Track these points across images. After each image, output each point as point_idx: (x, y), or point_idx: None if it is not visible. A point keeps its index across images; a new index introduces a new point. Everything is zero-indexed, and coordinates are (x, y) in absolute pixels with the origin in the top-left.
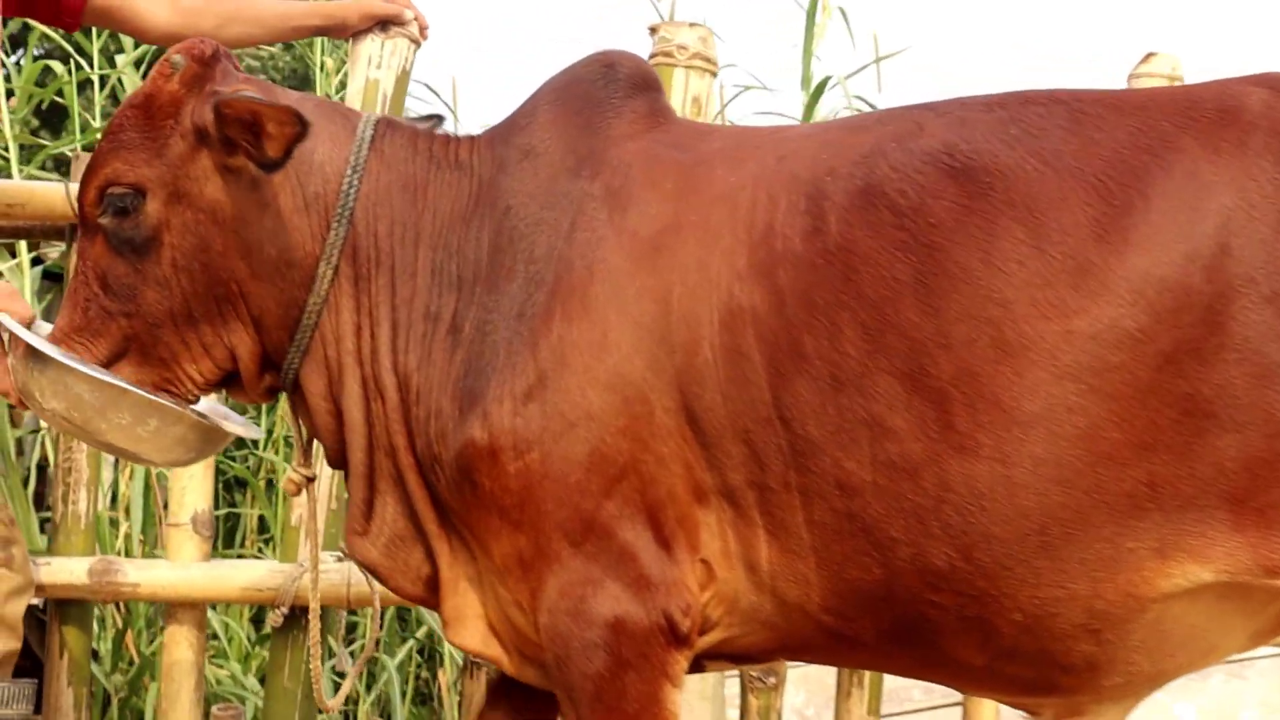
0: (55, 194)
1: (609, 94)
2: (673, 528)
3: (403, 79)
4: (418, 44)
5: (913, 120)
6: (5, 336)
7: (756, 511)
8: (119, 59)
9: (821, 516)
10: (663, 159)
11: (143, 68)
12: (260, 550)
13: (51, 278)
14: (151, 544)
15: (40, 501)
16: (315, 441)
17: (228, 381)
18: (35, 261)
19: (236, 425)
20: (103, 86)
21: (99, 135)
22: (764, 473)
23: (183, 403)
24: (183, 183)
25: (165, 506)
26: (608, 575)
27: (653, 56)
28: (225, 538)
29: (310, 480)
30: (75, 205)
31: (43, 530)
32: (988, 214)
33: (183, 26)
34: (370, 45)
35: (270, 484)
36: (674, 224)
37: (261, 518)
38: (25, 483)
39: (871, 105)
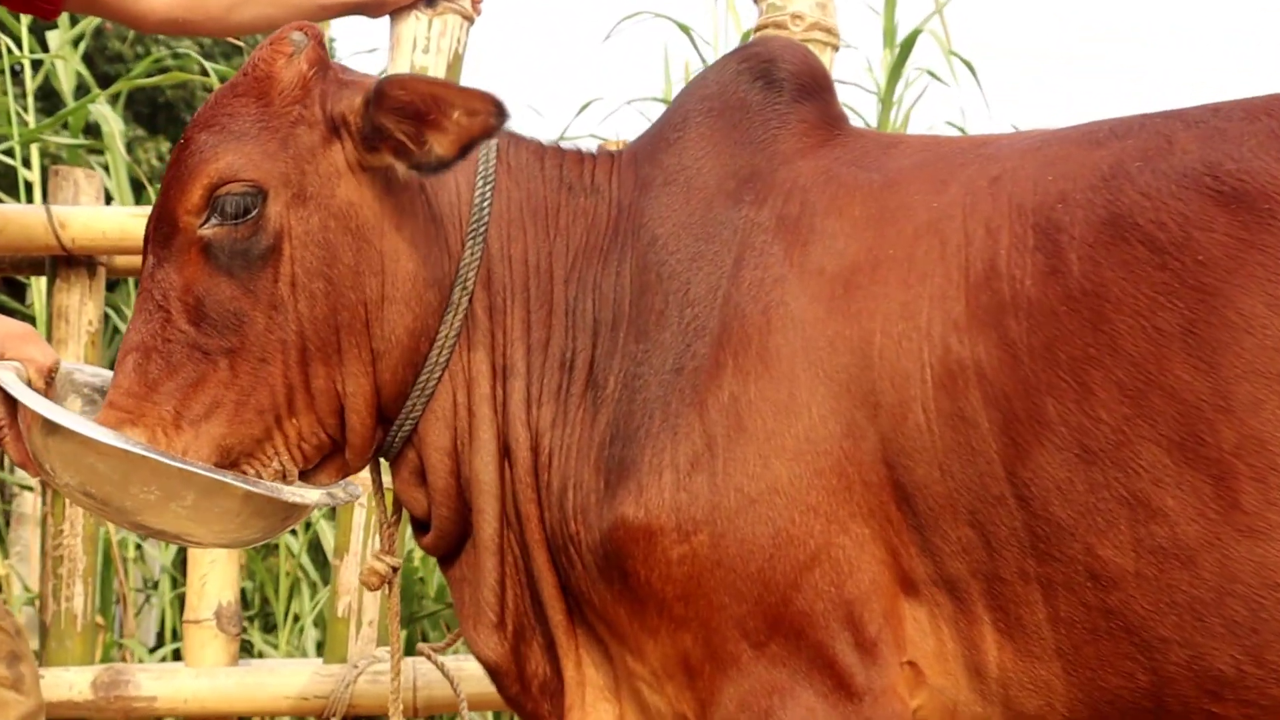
0: (36, 218)
1: (770, 100)
2: (878, 625)
3: (455, 64)
4: (471, 20)
5: (1158, 133)
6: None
7: (983, 606)
8: (53, 38)
9: (1070, 613)
10: (845, 180)
11: (82, 46)
12: (296, 627)
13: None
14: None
15: None
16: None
17: (320, 464)
18: None
19: (310, 493)
20: (36, 71)
21: (36, 132)
22: (994, 561)
23: (227, 470)
24: (310, 181)
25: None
26: (799, 683)
27: (758, 29)
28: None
29: (395, 570)
30: (162, 216)
31: None
32: (1271, 248)
33: (187, 11)
34: (414, 26)
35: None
36: (869, 260)
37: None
38: None
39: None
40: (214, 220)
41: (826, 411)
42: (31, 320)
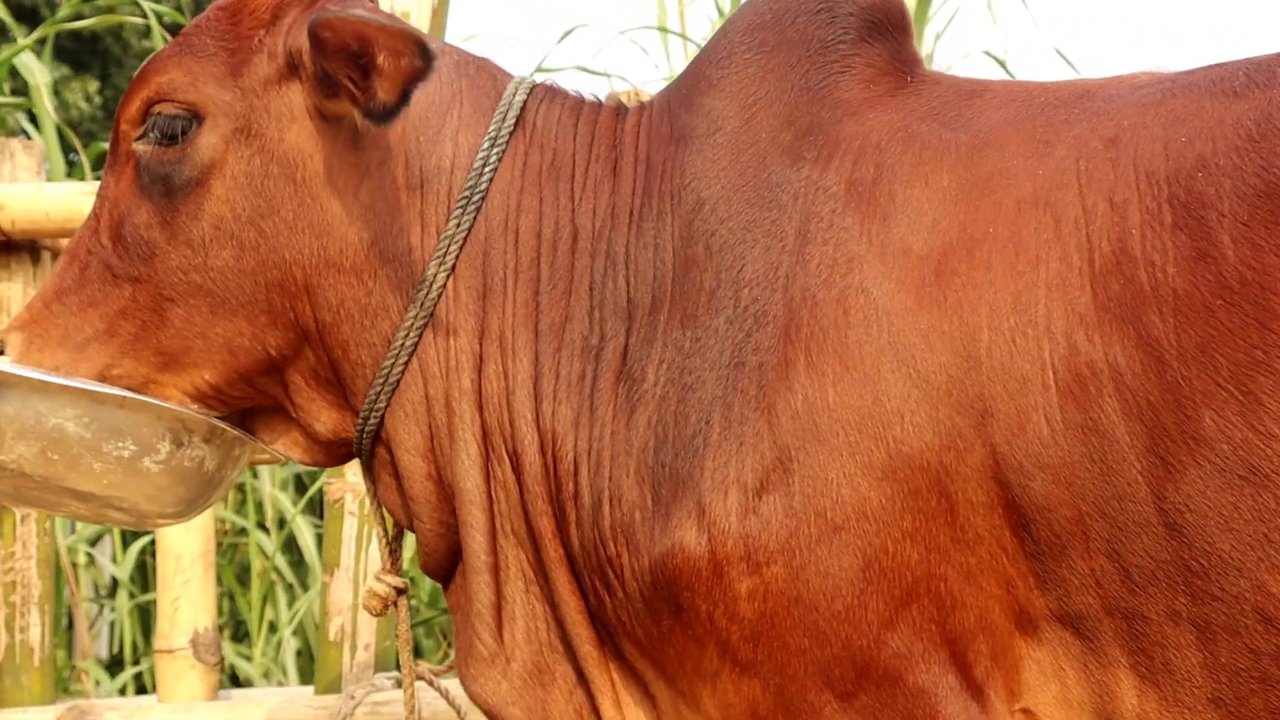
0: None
1: (834, 36)
2: (986, 667)
3: (440, 9)
4: None
5: None
6: None
7: (1119, 648)
8: None
9: (1233, 659)
10: (927, 140)
11: None
12: (274, 639)
13: None
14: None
15: None
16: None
17: (248, 415)
18: None
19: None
20: None
21: None
22: (1135, 597)
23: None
24: (258, 117)
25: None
26: None
27: None
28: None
29: (402, 593)
30: (114, 121)
31: None
32: None
33: None
34: None
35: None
36: (964, 239)
37: None
38: None
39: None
40: (147, 137)
41: (922, 420)
42: None
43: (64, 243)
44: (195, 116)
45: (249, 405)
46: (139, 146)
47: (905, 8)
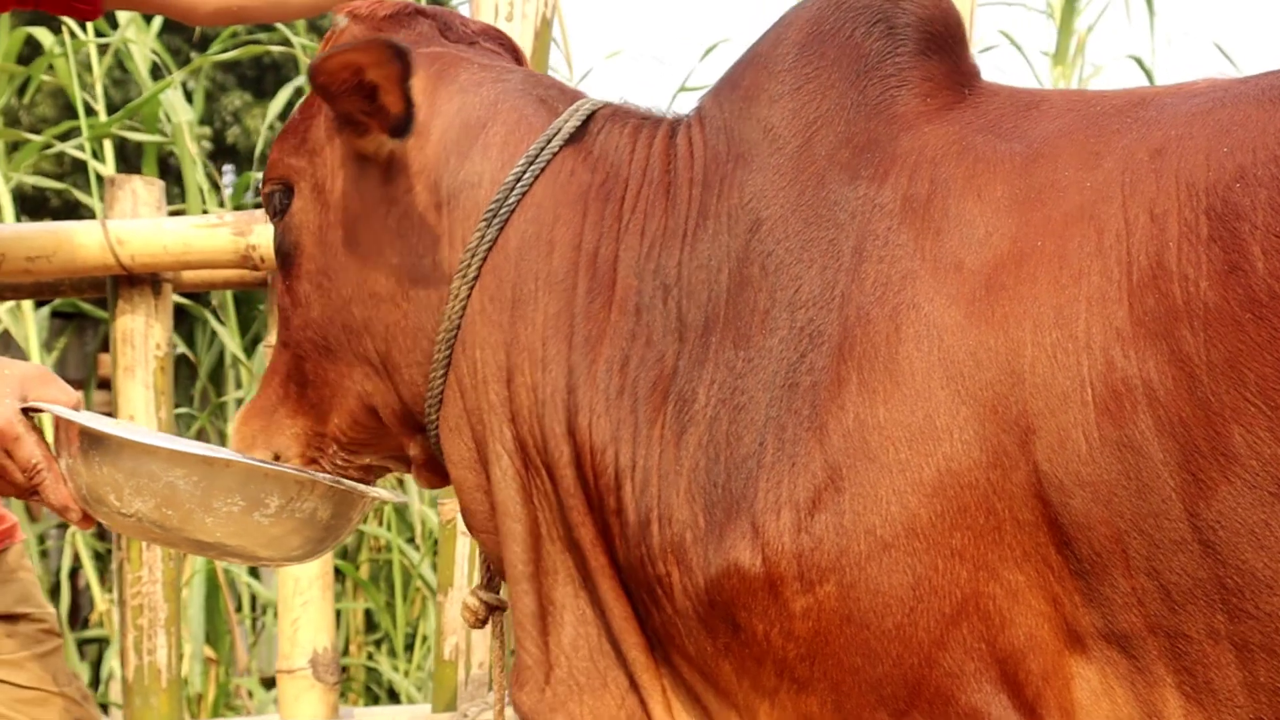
0: (90, 237)
1: (890, 49)
2: (1037, 686)
3: (544, 32)
4: None
5: None
6: (53, 434)
7: (1164, 666)
8: (122, 16)
9: (1272, 679)
10: (982, 152)
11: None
12: (371, 655)
13: (64, 317)
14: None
15: (76, 617)
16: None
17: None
18: (41, 301)
19: (380, 490)
20: (103, 55)
21: (106, 126)
22: (1176, 615)
23: (310, 469)
24: (320, 174)
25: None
26: None
27: None
28: None
29: (497, 609)
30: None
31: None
32: None
33: None
34: None
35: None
36: (1014, 254)
37: (368, 612)
38: (54, 594)
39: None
40: (272, 218)
41: (970, 437)
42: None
43: (187, 275)
44: (288, 189)
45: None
46: (271, 227)
47: (961, 19)
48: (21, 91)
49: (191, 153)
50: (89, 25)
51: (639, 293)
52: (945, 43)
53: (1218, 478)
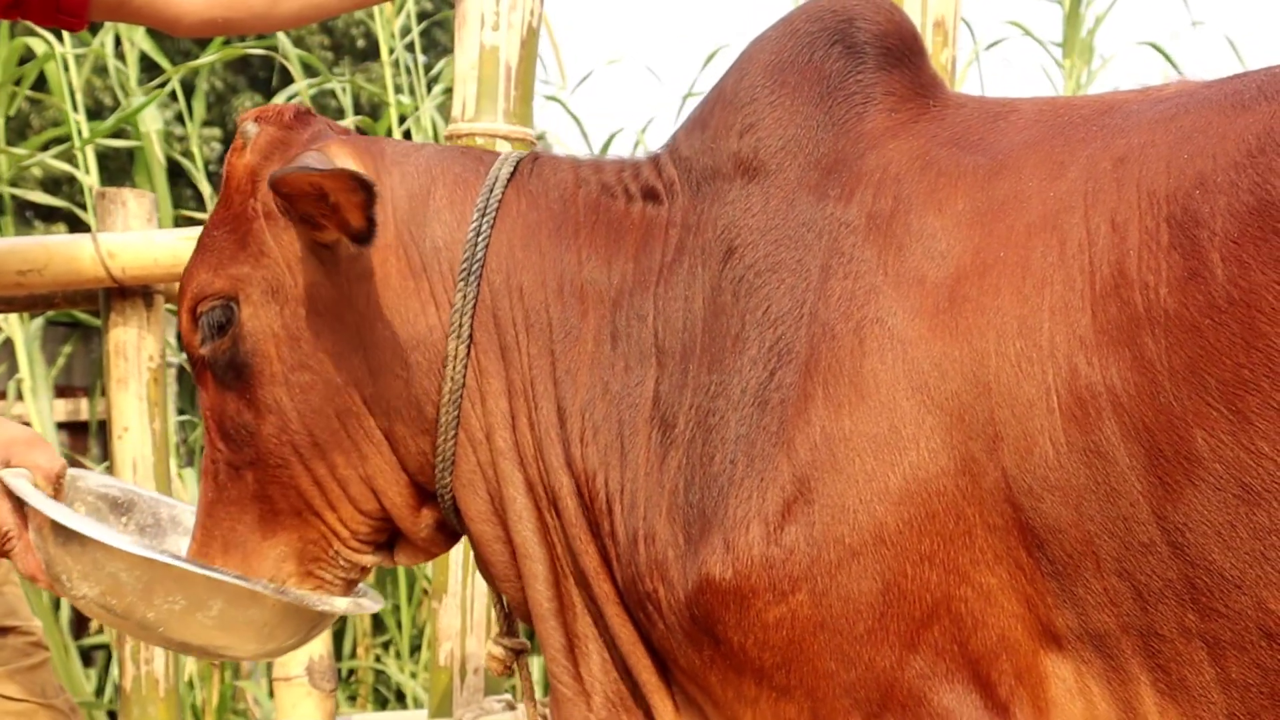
0: (81, 250)
1: (851, 68)
2: (1010, 685)
3: (530, 40)
4: None
5: None
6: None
7: (1138, 664)
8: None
9: (1243, 675)
10: (944, 166)
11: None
12: (379, 658)
13: (69, 325)
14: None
15: (82, 626)
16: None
17: (392, 540)
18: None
19: (340, 601)
20: (80, 64)
21: (91, 138)
22: (1148, 614)
23: (256, 579)
24: (274, 273)
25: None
26: None
27: None
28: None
29: (520, 654)
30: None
31: (90, 677)
32: None
33: (227, 9)
34: (481, 1)
35: (383, 571)
36: (976, 265)
37: (376, 616)
38: (56, 608)
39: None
40: (207, 341)
41: (937, 446)
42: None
43: (175, 287)
44: (230, 301)
45: (388, 533)
46: (204, 350)
47: (917, 30)
48: (11, 100)
49: (160, 161)
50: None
51: (612, 322)
52: (904, 56)
53: (1183, 481)
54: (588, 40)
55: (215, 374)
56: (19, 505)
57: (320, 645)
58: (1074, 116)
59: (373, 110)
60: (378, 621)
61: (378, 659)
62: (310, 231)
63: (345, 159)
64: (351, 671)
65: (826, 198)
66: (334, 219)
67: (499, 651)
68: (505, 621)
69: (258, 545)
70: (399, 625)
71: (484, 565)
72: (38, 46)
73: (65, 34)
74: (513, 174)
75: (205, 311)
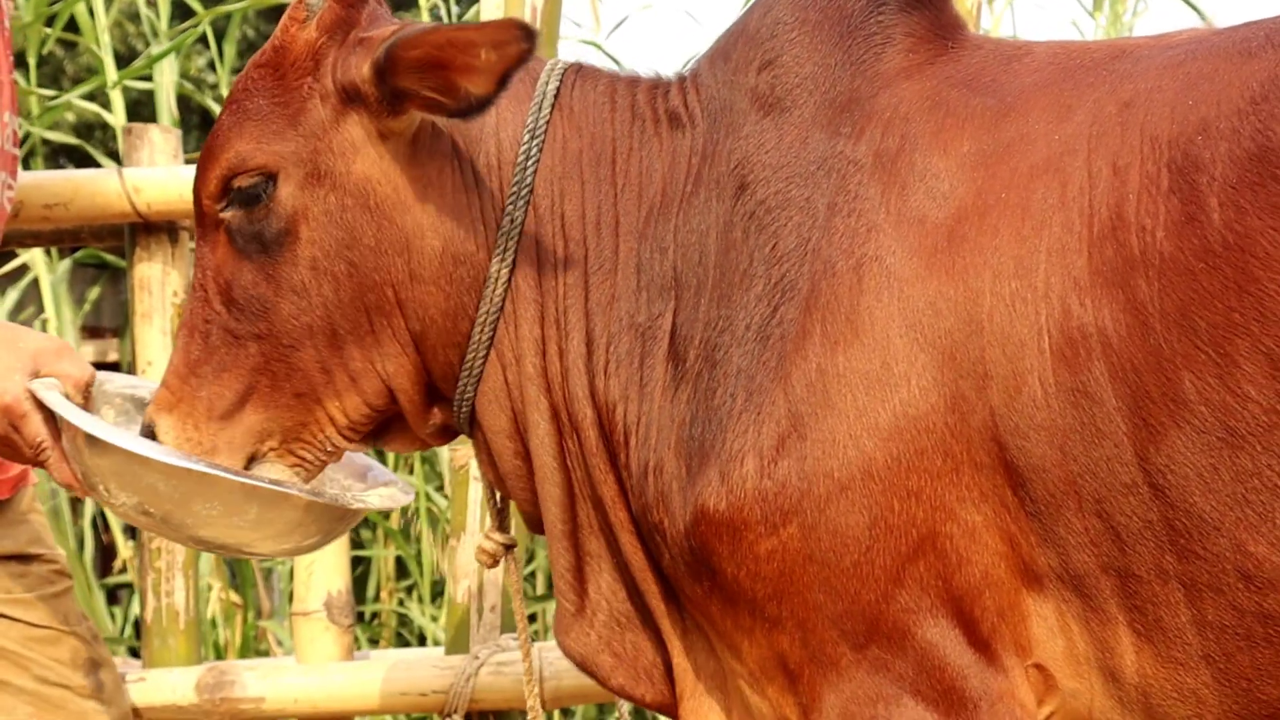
0: (107, 184)
1: (873, 8)
2: (993, 623)
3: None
4: None
5: None
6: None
7: (1116, 605)
8: None
9: (1219, 616)
10: (954, 106)
11: None
12: (402, 601)
13: (97, 267)
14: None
15: (106, 568)
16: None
17: (381, 430)
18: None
19: (373, 496)
20: (109, 8)
21: (119, 80)
22: (1126, 555)
23: (291, 479)
24: (324, 158)
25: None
26: (905, 689)
27: None
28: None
29: (509, 549)
30: (193, 197)
31: (115, 616)
32: None
33: None
34: None
35: (407, 517)
36: (977, 206)
37: (399, 559)
38: (80, 548)
39: None
40: (232, 207)
41: (928, 383)
42: None
43: None
44: (270, 176)
45: (379, 428)
46: (227, 215)
47: None
48: (42, 44)
49: (174, 113)
50: None
51: (639, 254)
52: None
53: (1168, 423)
54: None
55: (234, 239)
56: (50, 415)
57: (340, 581)
58: (1086, 60)
59: None
60: (401, 565)
61: (401, 602)
62: (386, 115)
63: (423, 25)
64: (375, 614)
65: (838, 135)
66: (447, 90)
67: (490, 545)
68: (498, 517)
69: (244, 416)
70: (421, 569)
71: (496, 474)
72: None
73: None
74: (557, 89)
75: (241, 184)
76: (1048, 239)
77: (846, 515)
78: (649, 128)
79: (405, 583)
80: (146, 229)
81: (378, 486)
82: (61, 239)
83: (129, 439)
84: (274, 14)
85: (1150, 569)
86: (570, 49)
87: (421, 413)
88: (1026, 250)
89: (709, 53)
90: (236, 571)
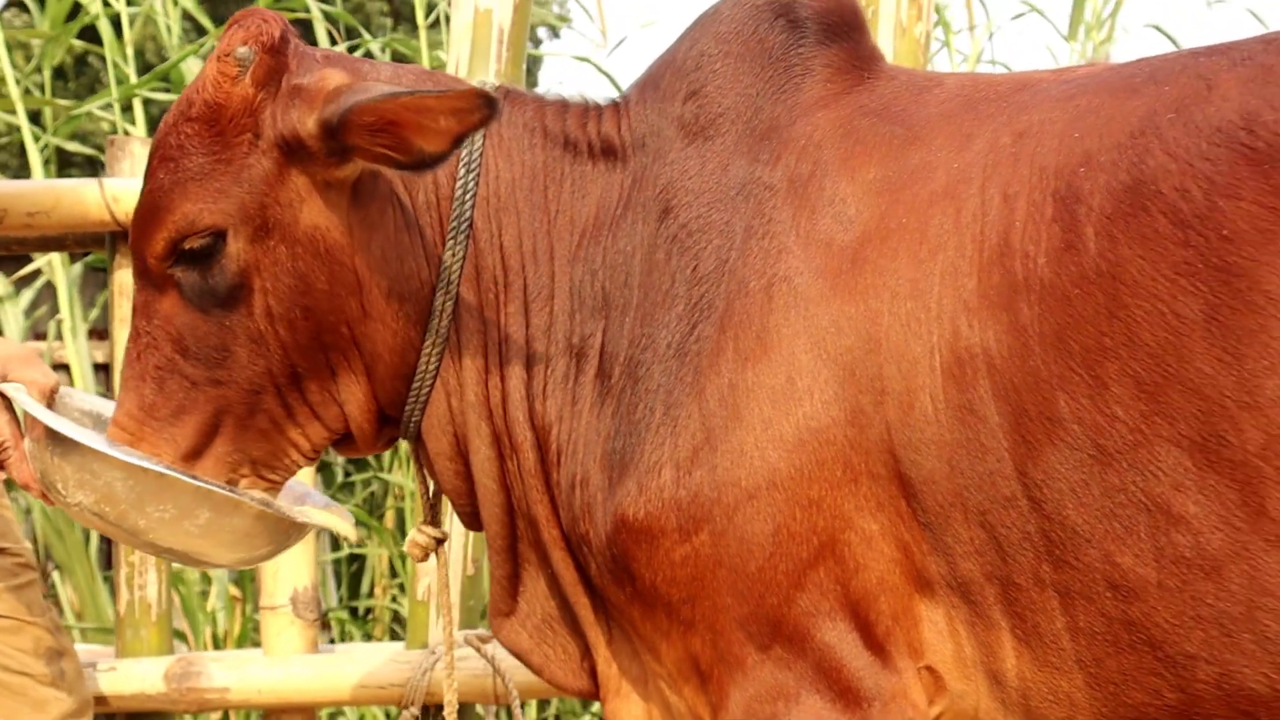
0: (88, 194)
1: (793, 41)
2: (887, 626)
3: (524, 5)
4: None
5: (1198, 75)
6: (20, 414)
7: (999, 611)
8: None
9: (1090, 623)
10: (864, 134)
11: None
12: (395, 598)
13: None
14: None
15: (109, 561)
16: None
17: (339, 442)
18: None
19: (317, 515)
20: (133, 23)
21: (133, 88)
22: (1007, 565)
23: (243, 489)
24: (272, 211)
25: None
26: (804, 687)
27: None
28: (350, 585)
29: (440, 542)
30: (132, 251)
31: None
32: None
33: None
34: None
35: (401, 517)
36: (879, 230)
37: (392, 558)
38: (86, 541)
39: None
40: (180, 265)
41: (829, 398)
42: None
43: None
44: (220, 234)
45: (337, 442)
46: (176, 272)
47: (858, 7)
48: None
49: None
50: None
51: (572, 278)
52: (844, 31)
53: (1044, 441)
54: (622, 5)
55: (184, 294)
56: (14, 418)
57: (305, 578)
58: (990, 92)
59: None
60: (394, 565)
61: (394, 599)
62: (330, 166)
63: (374, 87)
64: (369, 610)
65: (757, 162)
66: (399, 147)
67: (421, 539)
68: (430, 512)
69: (214, 448)
70: (407, 568)
71: (448, 492)
72: (91, 6)
73: None
74: None
75: (189, 245)
76: (942, 263)
77: (753, 523)
78: (581, 153)
79: (399, 580)
80: (125, 237)
81: (321, 505)
82: (46, 245)
83: (93, 437)
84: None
85: (1029, 578)
86: (566, 67)
87: (373, 434)
88: (922, 273)
89: (640, 81)
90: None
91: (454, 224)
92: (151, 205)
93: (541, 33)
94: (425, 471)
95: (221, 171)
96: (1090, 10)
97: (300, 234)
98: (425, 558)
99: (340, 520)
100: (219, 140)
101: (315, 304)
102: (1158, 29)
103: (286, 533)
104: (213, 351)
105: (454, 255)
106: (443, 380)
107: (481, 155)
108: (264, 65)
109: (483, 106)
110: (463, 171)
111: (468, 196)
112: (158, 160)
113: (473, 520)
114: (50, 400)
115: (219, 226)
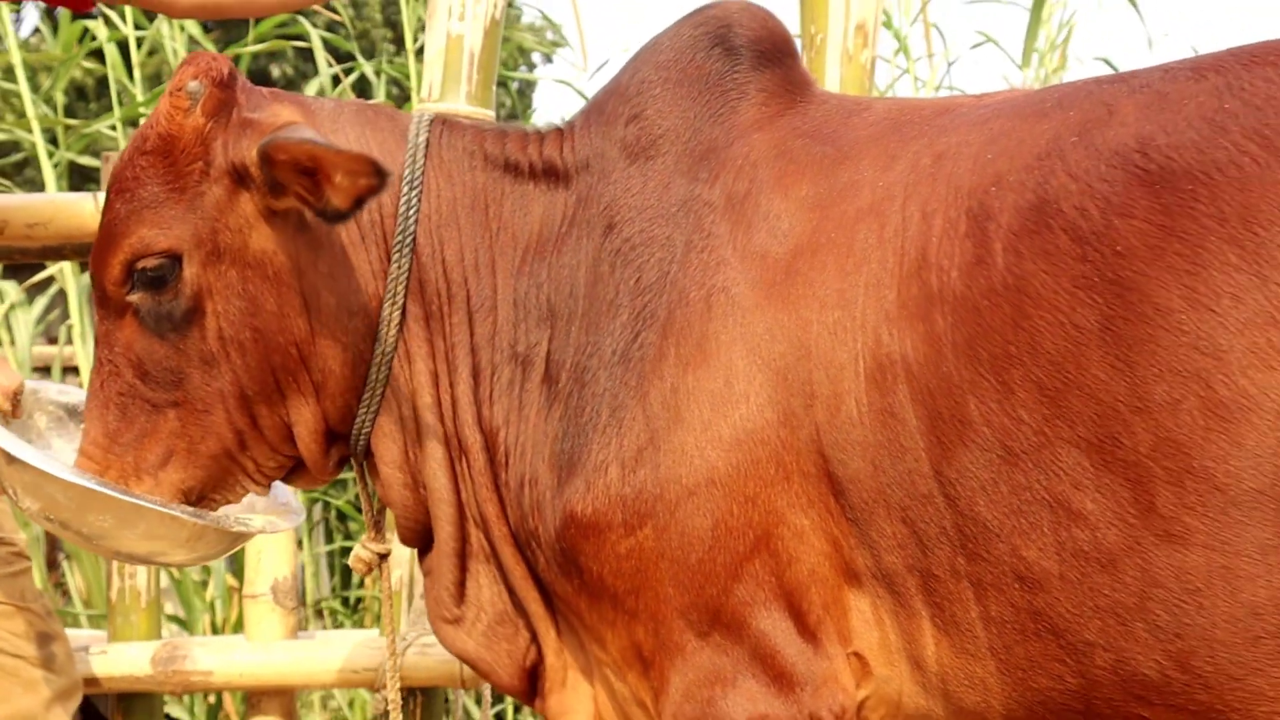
0: (83, 207)
1: (729, 67)
2: (818, 615)
3: (493, 31)
4: None
5: (1101, 101)
6: None
7: (920, 601)
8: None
9: (1000, 613)
10: (797, 154)
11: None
12: None
13: None
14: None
15: None
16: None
17: (291, 472)
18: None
19: (257, 519)
20: (140, 46)
21: (141, 110)
22: (927, 557)
23: (174, 504)
24: (223, 236)
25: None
26: (741, 672)
27: None
28: (343, 576)
29: (383, 557)
30: (92, 281)
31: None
32: (1191, 235)
33: None
34: None
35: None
36: (810, 243)
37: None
38: None
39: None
40: (137, 290)
41: (764, 401)
42: None
43: None
44: (174, 258)
45: (290, 470)
46: (134, 298)
47: (790, 35)
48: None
49: None
50: (129, 15)
51: (515, 290)
52: (777, 57)
53: (957, 442)
54: (604, 29)
55: (142, 319)
56: None
57: (285, 568)
58: (915, 116)
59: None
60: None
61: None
62: (269, 197)
63: (304, 130)
64: (359, 599)
65: (697, 180)
66: (313, 192)
67: (366, 554)
68: (374, 528)
69: (166, 476)
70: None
71: (391, 504)
72: (100, 32)
73: (129, 17)
74: (427, 141)
75: (144, 267)
76: (866, 275)
77: (693, 518)
78: (523, 174)
79: None
80: None
81: (276, 506)
82: (46, 255)
83: (29, 452)
84: (281, 53)
85: (946, 570)
86: (550, 90)
87: (321, 455)
88: (848, 284)
89: (586, 108)
90: (234, 558)
91: (399, 239)
92: (109, 234)
93: (535, 58)
94: (370, 487)
95: (176, 199)
96: (1044, 38)
97: (250, 257)
98: (369, 572)
99: (280, 521)
100: (172, 170)
101: (265, 325)
102: (1106, 62)
103: (230, 539)
104: (169, 374)
105: (399, 268)
106: (394, 388)
107: (424, 175)
108: (214, 98)
109: (372, 174)
110: (405, 188)
111: (411, 212)
112: (114, 192)
113: (413, 535)
114: (16, 400)
115: (173, 250)
